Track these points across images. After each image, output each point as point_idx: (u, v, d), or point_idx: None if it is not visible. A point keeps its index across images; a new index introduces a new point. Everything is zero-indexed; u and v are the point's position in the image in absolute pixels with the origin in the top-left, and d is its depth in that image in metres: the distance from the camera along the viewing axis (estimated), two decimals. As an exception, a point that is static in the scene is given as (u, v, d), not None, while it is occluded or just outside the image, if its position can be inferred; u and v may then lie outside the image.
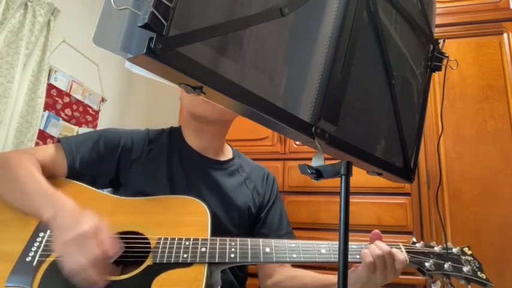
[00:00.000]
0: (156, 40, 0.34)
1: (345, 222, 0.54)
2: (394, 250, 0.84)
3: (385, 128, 0.63)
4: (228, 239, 0.83)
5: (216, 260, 0.79)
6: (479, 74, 1.78)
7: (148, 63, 0.36)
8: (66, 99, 2.32)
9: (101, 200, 0.90)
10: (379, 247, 0.83)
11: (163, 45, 0.35)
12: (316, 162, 0.57)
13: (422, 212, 1.67)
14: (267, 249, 0.83)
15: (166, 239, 0.81)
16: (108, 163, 0.99)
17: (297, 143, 1.50)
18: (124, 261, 0.81)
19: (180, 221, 0.85)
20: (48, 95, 2.19)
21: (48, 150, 0.95)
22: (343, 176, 0.56)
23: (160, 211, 0.88)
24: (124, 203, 0.90)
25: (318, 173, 0.57)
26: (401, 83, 0.66)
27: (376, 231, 0.90)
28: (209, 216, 0.86)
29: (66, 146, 0.96)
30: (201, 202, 0.88)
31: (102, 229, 0.74)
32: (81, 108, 2.42)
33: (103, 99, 2.63)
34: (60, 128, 2.25)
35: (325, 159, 0.56)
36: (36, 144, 2.05)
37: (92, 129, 2.48)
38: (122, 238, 0.82)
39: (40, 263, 0.77)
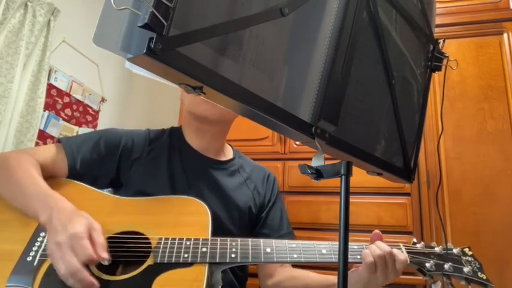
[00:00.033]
0: (156, 40, 0.34)
1: (345, 222, 0.54)
2: (395, 250, 0.84)
3: (385, 128, 0.63)
4: (228, 239, 0.83)
5: (217, 260, 0.79)
6: (479, 74, 1.78)
7: (148, 63, 0.36)
8: (66, 99, 2.32)
9: (101, 200, 0.90)
10: (380, 247, 0.83)
11: (163, 45, 0.35)
12: (316, 162, 0.57)
13: (422, 212, 1.67)
14: (268, 250, 0.83)
15: (167, 239, 0.81)
16: (109, 163, 0.99)
17: (297, 143, 1.50)
18: (125, 261, 0.81)
19: (181, 221, 0.85)
20: (48, 95, 2.19)
21: (49, 151, 0.95)
22: (343, 176, 0.56)
23: (161, 211, 0.88)
24: (125, 203, 0.90)
25: (318, 173, 0.57)
26: (401, 83, 0.66)
27: (377, 231, 0.90)
28: (210, 216, 0.86)
29: (67, 147, 0.96)
30: (202, 202, 0.88)
31: (94, 230, 0.74)
32: (81, 108, 2.42)
33: (103, 99, 2.63)
34: (60, 128, 2.25)
35: (325, 159, 0.56)
36: (36, 144, 2.06)
37: (92, 130, 2.48)
38: (123, 238, 0.82)
39: (41, 263, 0.77)
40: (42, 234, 0.82)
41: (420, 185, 1.70)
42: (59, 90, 2.27)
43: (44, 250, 0.79)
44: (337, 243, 0.54)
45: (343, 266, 0.52)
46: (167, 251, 0.79)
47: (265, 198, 1.11)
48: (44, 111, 2.15)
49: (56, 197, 0.81)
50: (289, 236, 1.09)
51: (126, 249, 0.81)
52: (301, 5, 0.49)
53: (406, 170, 0.67)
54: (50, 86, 2.21)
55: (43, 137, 2.14)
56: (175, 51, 0.36)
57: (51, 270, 0.75)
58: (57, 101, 2.26)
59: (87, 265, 0.71)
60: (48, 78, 2.18)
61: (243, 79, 0.43)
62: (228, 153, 1.15)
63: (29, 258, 0.77)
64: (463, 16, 1.88)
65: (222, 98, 0.42)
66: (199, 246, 0.80)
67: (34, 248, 0.79)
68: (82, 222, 0.74)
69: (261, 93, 0.45)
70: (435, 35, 0.74)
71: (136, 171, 1.00)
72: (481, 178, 1.65)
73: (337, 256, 0.54)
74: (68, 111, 2.33)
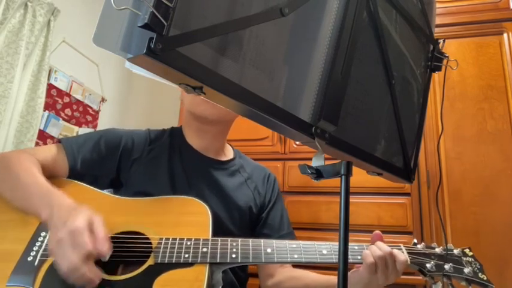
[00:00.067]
0: (156, 40, 0.34)
1: (345, 222, 0.54)
2: (395, 251, 0.84)
3: (385, 128, 0.63)
4: (229, 239, 0.83)
5: (218, 260, 0.79)
6: (479, 74, 1.78)
7: (148, 63, 0.36)
8: (66, 99, 2.32)
9: (102, 200, 0.90)
10: (380, 248, 0.83)
11: (163, 45, 0.35)
12: (316, 162, 0.57)
13: (422, 212, 1.67)
14: (269, 250, 0.83)
15: (167, 239, 0.81)
16: (109, 163, 0.99)
17: (297, 143, 1.50)
18: (125, 261, 0.81)
19: (181, 221, 0.85)
20: (48, 95, 2.19)
21: (49, 151, 0.95)
22: (343, 176, 0.56)
23: (162, 211, 0.88)
24: (125, 203, 0.90)
25: (318, 173, 0.57)
26: (401, 83, 0.66)
27: (377, 232, 0.90)
28: (210, 216, 0.86)
29: (67, 147, 0.96)
30: (202, 202, 0.88)
31: (95, 224, 0.73)
32: (81, 108, 2.42)
33: (103, 99, 2.63)
34: (60, 128, 2.25)
35: (325, 159, 0.56)
36: (36, 144, 2.06)
37: (92, 130, 2.48)
38: (123, 238, 0.82)
39: (41, 262, 0.77)
40: (43, 234, 0.82)
41: (420, 185, 1.70)
42: (59, 90, 2.27)
43: (44, 250, 0.79)
44: (337, 243, 0.54)
45: (343, 266, 0.52)
46: (168, 251, 0.79)
47: (266, 198, 1.11)
48: (44, 111, 2.15)
49: (56, 193, 0.80)
50: (290, 236, 1.09)
51: (127, 249, 0.81)
52: (301, 5, 0.49)
53: (406, 170, 0.67)
54: (50, 86, 2.21)
55: (43, 137, 2.14)
56: (175, 51, 0.36)
57: (52, 270, 0.75)
58: (57, 101, 2.26)
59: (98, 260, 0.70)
60: (48, 78, 2.18)
61: (243, 79, 0.43)
62: (229, 153, 1.15)
63: (30, 258, 0.77)
64: (463, 16, 1.88)
65: (222, 98, 0.42)
66: (200, 247, 0.80)
67: (35, 248, 0.79)
68: (82, 217, 0.72)
69: (261, 93, 0.45)
70: (435, 35, 0.74)
71: (136, 171, 1.00)
72: (481, 178, 1.65)
73: (337, 256, 0.54)
74: (68, 111, 2.33)
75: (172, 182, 0.99)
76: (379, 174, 0.63)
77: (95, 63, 2.57)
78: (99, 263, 0.77)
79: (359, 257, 0.85)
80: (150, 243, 0.81)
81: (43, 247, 0.79)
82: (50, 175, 0.91)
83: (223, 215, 0.99)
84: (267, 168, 1.20)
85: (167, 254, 0.79)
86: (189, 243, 0.81)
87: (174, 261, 0.78)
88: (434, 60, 0.74)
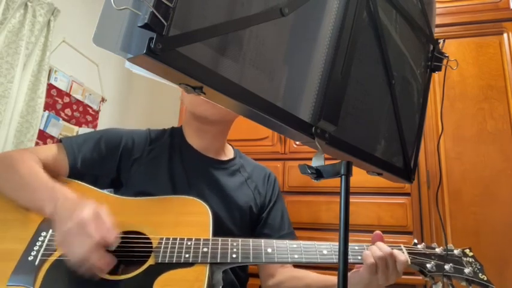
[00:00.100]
0: (156, 40, 0.34)
1: (345, 222, 0.54)
2: (395, 251, 0.84)
3: (385, 128, 0.63)
4: (229, 239, 0.83)
5: (218, 260, 0.79)
6: (479, 74, 1.78)
7: (149, 63, 0.36)
8: (66, 99, 2.32)
9: (102, 200, 0.90)
10: (381, 248, 0.83)
11: (163, 45, 0.35)
12: (316, 162, 0.57)
13: (422, 212, 1.67)
14: (269, 250, 0.83)
15: (168, 239, 0.81)
16: (110, 163, 0.99)
17: (297, 143, 1.50)
18: (126, 261, 0.81)
19: (182, 221, 0.85)
20: (48, 95, 2.19)
21: (50, 150, 0.96)
22: (343, 176, 0.56)
23: (162, 211, 0.88)
24: (126, 203, 0.90)
25: (318, 173, 0.57)
26: (401, 83, 0.66)
27: (378, 232, 0.90)
28: (211, 216, 0.86)
29: (68, 146, 0.96)
30: (203, 202, 0.88)
31: (101, 216, 0.74)
32: (81, 108, 2.42)
33: (103, 99, 2.63)
34: (60, 128, 2.25)
35: (325, 159, 0.56)
36: (36, 144, 2.06)
37: (92, 129, 2.48)
38: (124, 238, 0.82)
39: (42, 262, 0.77)
40: (44, 234, 0.82)
41: (420, 185, 1.70)
42: (59, 90, 2.27)
43: (45, 250, 0.79)
44: (338, 243, 0.54)
45: (343, 266, 0.52)
46: (168, 251, 0.79)
47: (266, 198, 1.11)
48: (44, 111, 2.15)
49: (60, 188, 0.82)
50: (290, 236, 1.09)
51: (127, 249, 0.81)
52: (301, 5, 0.49)
53: (406, 170, 0.67)
54: (50, 86, 2.21)
55: (43, 137, 2.15)
56: (175, 51, 0.36)
57: (53, 270, 0.75)
58: (57, 101, 2.26)
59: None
60: (48, 78, 2.18)
61: (243, 79, 0.43)
62: (229, 153, 1.15)
63: (30, 258, 0.77)
64: (463, 16, 1.88)
65: (222, 98, 0.42)
66: (201, 246, 0.80)
67: (35, 248, 0.79)
68: (88, 208, 0.74)
69: (261, 93, 0.45)
70: (435, 35, 0.74)
71: (136, 171, 1.00)
72: (481, 178, 1.65)
73: (338, 256, 0.54)
74: (68, 111, 2.33)
75: (172, 181, 0.99)
76: (379, 174, 0.63)
77: (95, 63, 2.57)
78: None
79: (359, 257, 0.85)
80: (151, 243, 0.81)
81: (44, 247, 0.79)
82: (51, 174, 0.91)
83: (224, 215, 0.99)
84: (267, 168, 1.20)
85: (167, 254, 0.79)
86: (189, 243, 0.81)
87: (174, 261, 0.78)
88: (434, 60, 0.74)
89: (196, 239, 0.82)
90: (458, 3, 1.91)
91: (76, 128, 2.36)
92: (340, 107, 0.53)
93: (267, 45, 0.46)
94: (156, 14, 0.34)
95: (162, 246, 0.80)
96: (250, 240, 0.85)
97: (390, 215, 1.68)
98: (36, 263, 0.77)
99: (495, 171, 1.64)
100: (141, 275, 0.76)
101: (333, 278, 0.96)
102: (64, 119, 2.29)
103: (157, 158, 1.03)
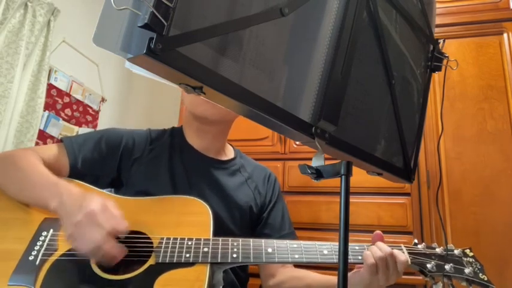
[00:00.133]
0: (156, 40, 0.34)
1: (345, 222, 0.54)
2: (396, 251, 0.84)
3: (385, 128, 0.63)
4: (230, 239, 0.83)
5: (218, 260, 0.79)
6: (479, 74, 1.78)
7: (149, 63, 0.36)
8: (66, 99, 2.32)
9: None
10: (381, 249, 0.83)
11: (163, 45, 0.35)
12: (316, 162, 0.57)
13: (422, 212, 1.67)
14: (269, 250, 0.83)
15: (168, 238, 0.81)
16: (110, 162, 0.99)
17: (297, 143, 1.50)
18: (126, 261, 0.81)
19: (182, 221, 0.85)
20: (48, 95, 2.19)
21: (51, 150, 0.96)
22: (343, 176, 0.56)
23: (163, 211, 0.88)
24: (126, 203, 0.90)
25: (318, 173, 0.57)
26: (401, 83, 0.66)
27: (378, 232, 0.90)
28: (211, 216, 0.86)
29: (69, 146, 0.96)
30: (203, 202, 0.88)
31: (109, 206, 0.77)
32: (81, 108, 2.42)
33: (103, 99, 2.63)
34: (60, 128, 2.25)
35: (325, 159, 0.56)
36: (36, 144, 2.06)
37: (92, 129, 2.48)
38: (125, 237, 0.82)
39: (43, 262, 0.77)
40: (44, 233, 0.82)
41: (420, 185, 1.70)
42: (59, 90, 2.27)
43: (46, 249, 0.79)
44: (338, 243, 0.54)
45: (343, 266, 0.52)
46: (169, 251, 0.79)
47: (266, 198, 1.11)
48: (44, 111, 2.15)
49: (64, 184, 0.83)
50: (291, 236, 1.09)
51: (128, 249, 0.81)
52: (301, 5, 0.49)
53: (406, 170, 0.67)
54: (50, 86, 2.21)
55: (43, 137, 2.15)
56: (175, 51, 0.36)
57: (53, 270, 0.75)
58: (57, 101, 2.26)
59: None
60: (48, 78, 2.18)
61: (243, 79, 0.43)
62: (229, 153, 1.15)
63: (31, 258, 0.77)
64: (463, 16, 1.88)
65: (222, 98, 0.42)
66: (201, 246, 0.80)
67: (36, 248, 0.79)
68: (95, 200, 0.76)
69: (261, 93, 0.45)
70: (435, 35, 0.74)
71: (137, 171, 1.00)
72: (481, 178, 1.65)
73: (338, 256, 0.54)
74: (68, 111, 2.33)
75: (173, 181, 0.99)
76: (379, 174, 0.63)
77: (95, 63, 2.57)
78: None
79: (360, 257, 0.85)
80: (151, 242, 0.81)
81: (44, 247, 0.79)
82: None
83: (224, 215, 0.99)
84: (267, 168, 1.20)
85: (168, 254, 0.79)
86: (190, 243, 0.81)
87: (175, 261, 0.78)
88: (434, 60, 0.74)
89: (197, 239, 0.82)
90: (458, 3, 1.91)
91: (76, 128, 2.37)
92: (340, 107, 0.53)
93: (267, 45, 0.46)
94: (156, 14, 0.34)
95: (163, 246, 0.80)
96: (251, 240, 0.85)
97: (390, 215, 1.68)
98: (37, 262, 0.77)
99: (495, 171, 1.64)
100: (141, 274, 0.76)
101: (333, 278, 0.96)
102: (64, 119, 2.29)
103: (158, 157, 1.03)
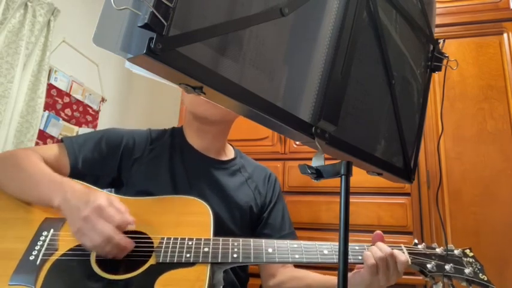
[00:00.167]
0: (156, 40, 0.34)
1: (345, 222, 0.54)
2: (396, 251, 0.84)
3: (385, 128, 0.63)
4: (230, 239, 0.83)
5: (219, 260, 0.79)
6: (479, 74, 1.78)
7: (149, 63, 0.36)
8: (66, 99, 2.32)
9: None
10: (381, 249, 0.83)
11: (163, 45, 0.35)
12: (316, 162, 0.57)
13: (422, 212, 1.67)
14: (270, 250, 0.83)
15: (169, 238, 0.82)
16: (111, 162, 1.00)
17: (297, 143, 1.50)
18: (127, 261, 0.81)
19: (183, 221, 0.86)
20: (48, 95, 2.19)
21: (51, 150, 0.96)
22: (343, 176, 0.56)
23: (163, 211, 0.88)
24: (126, 203, 0.90)
25: (318, 173, 0.57)
26: (401, 83, 0.66)
27: (378, 232, 0.90)
28: (212, 216, 0.86)
29: (69, 146, 0.97)
30: (204, 202, 0.88)
31: (114, 200, 0.78)
32: (81, 108, 2.42)
33: (103, 99, 2.63)
34: (60, 128, 2.25)
35: (325, 159, 0.56)
36: (36, 144, 2.06)
37: (92, 129, 2.48)
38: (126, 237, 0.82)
39: (43, 262, 0.77)
40: (45, 233, 0.82)
41: (420, 185, 1.70)
42: (59, 90, 2.27)
43: (46, 249, 0.79)
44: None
45: (343, 266, 0.52)
46: (169, 251, 0.79)
47: (267, 198, 1.11)
48: (44, 111, 2.15)
49: (67, 181, 0.84)
50: (291, 236, 1.09)
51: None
52: (301, 5, 0.49)
53: (406, 170, 0.67)
54: (50, 86, 2.21)
55: (43, 137, 2.15)
56: (175, 51, 0.36)
57: (54, 269, 0.75)
58: (57, 101, 2.26)
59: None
60: (48, 78, 2.18)
61: (243, 79, 0.43)
62: (229, 153, 1.15)
63: (32, 258, 0.77)
64: (463, 16, 1.88)
65: (222, 98, 0.42)
66: (201, 246, 0.80)
67: (37, 247, 0.79)
68: (101, 195, 0.78)
69: (261, 93, 0.45)
70: (435, 35, 0.74)
71: (137, 171, 1.00)
72: (481, 178, 1.65)
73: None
74: (68, 111, 2.33)
75: (173, 181, 0.99)
76: (379, 174, 0.63)
77: (95, 63, 2.57)
78: (100, 262, 0.78)
79: (360, 257, 0.85)
80: (152, 242, 0.81)
81: (45, 246, 0.79)
82: (52, 174, 0.91)
83: (224, 215, 0.99)
84: (268, 168, 1.20)
85: (169, 254, 0.79)
86: (190, 243, 0.81)
87: (175, 261, 0.78)
88: (434, 60, 0.74)
89: (197, 239, 0.82)
90: (458, 3, 1.91)
91: (76, 128, 2.37)
92: (340, 107, 0.53)
93: (267, 45, 0.46)
94: (156, 14, 0.34)
95: (163, 246, 0.80)
96: (251, 240, 0.85)
97: (390, 215, 1.68)
98: (38, 262, 0.77)
99: (495, 171, 1.64)
100: (142, 274, 0.76)
101: (333, 279, 0.96)
102: (64, 119, 2.29)
103: (158, 157, 1.03)
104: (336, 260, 0.84)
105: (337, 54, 0.53)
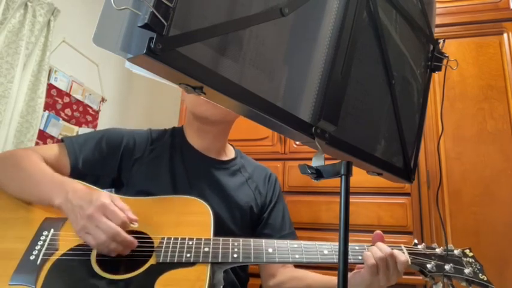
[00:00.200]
0: (156, 40, 0.34)
1: (345, 222, 0.54)
2: (396, 251, 0.84)
3: (385, 128, 0.63)
4: (230, 239, 0.83)
5: (219, 260, 0.79)
6: (479, 74, 1.78)
7: (149, 63, 0.36)
8: (66, 99, 2.32)
9: None
10: (381, 249, 0.83)
11: (163, 45, 0.35)
12: (316, 162, 0.57)
13: (422, 212, 1.67)
14: (270, 250, 0.83)
15: (169, 238, 0.82)
16: (111, 162, 1.00)
17: (297, 143, 1.50)
18: (127, 261, 0.81)
19: (183, 221, 0.86)
20: (48, 95, 2.19)
21: (52, 150, 0.96)
22: (343, 176, 0.56)
23: (163, 211, 0.88)
24: (127, 203, 0.90)
25: (318, 173, 0.57)
26: (401, 83, 0.66)
27: (378, 232, 0.90)
28: (212, 216, 0.86)
29: (69, 146, 0.97)
30: (204, 202, 0.88)
31: (117, 199, 0.79)
32: (81, 108, 2.42)
33: (103, 99, 2.63)
34: (60, 128, 2.25)
35: (325, 159, 0.56)
36: (36, 144, 2.06)
37: (93, 129, 2.48)
38: None
39: (44, 261, 0.77)
40: (45, 233, 0.82)
41: (420, 185, 1.70)
42: (59, 90, 2.27)
43: (47, 249, 0.79)
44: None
45: (343, 266, 0.52)
46: (169, 251, 0.79)
47: (267, 198, 1.11)
48: (44, 111, 2.15)
49: (68, 180, 0.84)
50: (291, 236, 1.09)
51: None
52: (301, 5, 0.49)
53: (406, 170, 0.67)
54: (50, 86, 2.21)
55: (43, 137, 2.15)
56: (176, 51, 0.36)
57: (54, 269, 0.75)
58: (57, 101, 2.26)
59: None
60: (48, 78, 2.18)
61: (243, 79, 0.43)
62: (230, 153, 1.15)
63: (32, 257, 0.77)
64: (463, 16, 1.88)
65: (222, 98, 0.42)
66: (202, 246, 0.80)
67: (37, 247, 0.79)
68: (104, 194, 0.79)
69: (261, 93, 0.45)
70: (435, 35, 0.74)
71: (138, 171, 1.00)
72: (481, 178, 1.65)
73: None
74: (68, 111, 2.33)
75: (173, 181, 0.99)
76: (379, 174, 0.63)
77: (95, 63, 2.57)
78: (101, 262, 0.78)
79: (360, 257, 0.85)
80: (152, 242, 0.81)
81: (45, 246, 0.80)
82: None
83: (225, 215, 0.99)
84: (268, 168, 1.20)
85: (169, 254, 0.79)
86: (190, 242, 0.81)
87: (175, 261, 0.78)
88: (434, 60, 0.74)
89: (198, 239, 0.82)
90: (458, 3, 1.91)
91: (76, 128, 2.36)
92: (340, 107, 0.53)
93: (267, 45, 0.46)
94: (156, 14, 0.34)
95: (164, 245, 0.80)
96: (251, 240, 0.85)
97: (390, 215, 1.68)
98: (38, 262, 0.77)
99: (495, 171, 1.64)
100: (142, 274, 0.76)
101: (333, 279, 0.96)
102: (64, 119, 2.29)
103: (159, 157, 1.03)
104: (336, 260, 0.84)
105: (337, 54, 0.53)
